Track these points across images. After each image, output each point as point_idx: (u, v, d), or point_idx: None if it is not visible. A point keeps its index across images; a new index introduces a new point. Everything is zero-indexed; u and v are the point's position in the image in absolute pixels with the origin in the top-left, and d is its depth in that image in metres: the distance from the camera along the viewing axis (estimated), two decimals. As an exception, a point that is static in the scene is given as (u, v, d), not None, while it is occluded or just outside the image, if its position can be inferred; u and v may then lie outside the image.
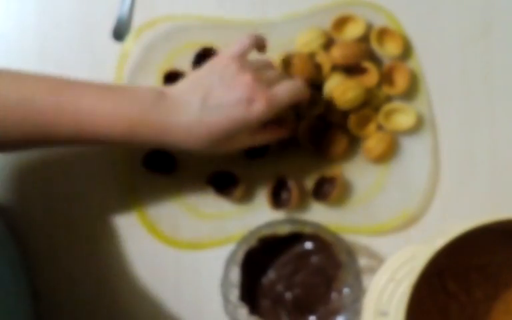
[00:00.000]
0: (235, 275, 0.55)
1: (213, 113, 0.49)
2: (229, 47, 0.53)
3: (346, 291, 0.55)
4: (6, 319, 0.48)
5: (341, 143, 0.58)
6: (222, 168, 0.58)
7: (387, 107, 0.59)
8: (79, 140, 0.50)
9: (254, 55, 0.55)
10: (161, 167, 0.58)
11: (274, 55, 0.59)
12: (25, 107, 0.48)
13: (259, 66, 0.53)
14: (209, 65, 0.52)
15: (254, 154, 0.58)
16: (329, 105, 0.58)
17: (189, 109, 0.50)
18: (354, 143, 0.59)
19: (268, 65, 0.55)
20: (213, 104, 0.49)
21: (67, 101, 0.49)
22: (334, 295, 0.56)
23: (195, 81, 0.51)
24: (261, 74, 0.52)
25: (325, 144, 0.58)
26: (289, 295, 0.56)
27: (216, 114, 0.49)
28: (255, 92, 0.49)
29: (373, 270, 0.56)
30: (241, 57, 0.52)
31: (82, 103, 0.49)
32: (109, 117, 0.49)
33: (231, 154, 0.58)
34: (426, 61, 0.61)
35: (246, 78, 0.50)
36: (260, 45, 0.55)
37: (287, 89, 0.52)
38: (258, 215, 0.58)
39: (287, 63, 0.58)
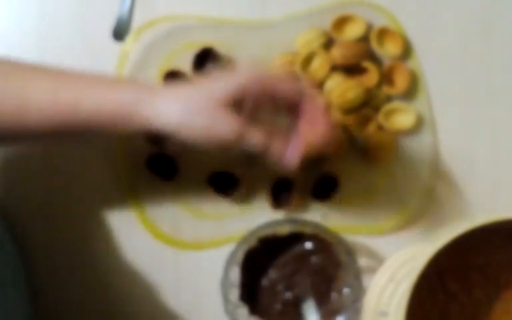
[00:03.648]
0: (235, 274, 0.55)
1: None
2: None
3: (346, 291, 0.55)
4: (5, 317, 0.48)
5: (341, 143, 0.58)
6: (222, 168, 0.58)
7: (387, 107, 0.59)
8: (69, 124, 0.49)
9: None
10: (163, 171, 0.58)
11: (274, 54, 0.59)
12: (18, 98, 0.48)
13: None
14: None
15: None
16: (329, 104, 0.58)
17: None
18: (354, 143, 0.59)
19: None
20: None
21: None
22: (334, 295, 0.56)
23: None
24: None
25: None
26: (289, 295, 0.56)
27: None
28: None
29: (373, 270, 0.56)
30: None
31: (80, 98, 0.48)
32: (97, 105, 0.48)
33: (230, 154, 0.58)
34: (426, 61, 0.61)
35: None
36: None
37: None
38: (258, 214, 0.58)
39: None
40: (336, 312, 0.55)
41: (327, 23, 0.59)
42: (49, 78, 0.49)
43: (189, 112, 0.47)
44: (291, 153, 0.48)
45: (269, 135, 0.47)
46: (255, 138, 0.47)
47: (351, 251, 0.54)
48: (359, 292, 0.54)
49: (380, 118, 0.59)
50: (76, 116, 0.48)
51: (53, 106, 0.48)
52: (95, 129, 0.49)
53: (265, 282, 0.57)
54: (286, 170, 0.48)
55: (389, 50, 0.60)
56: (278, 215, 0.59)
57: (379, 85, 0.59)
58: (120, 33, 0.60)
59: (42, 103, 0.48)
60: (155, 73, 0.59)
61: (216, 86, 0.47)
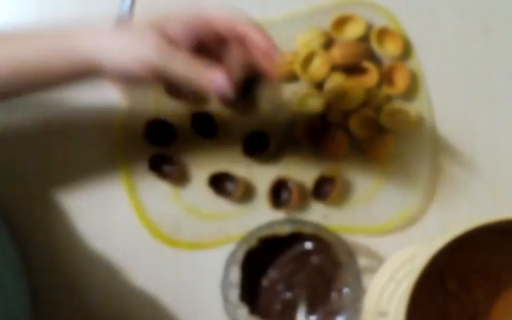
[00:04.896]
0: (235, 274, 0.55)
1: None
2: None
3: (346, 291, 0.55)
4: (5, 318, 0.48)
5: (341, 143, 0.58)
6: (222, 168, 0.58)
7: (387, 107, 0.59)
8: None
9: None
10: (164, 171, 0.58)
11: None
12: None
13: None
14: None
15: (254, 153, 0.58)
16: (329, 104, 0.58)
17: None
18: (354, 143, 0.59)
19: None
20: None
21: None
22: (334, 295, 0.56)
23: None
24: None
25: (324, 144, 0.58)
26: (289, 295, 0.56)
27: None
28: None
29: (373, 270, 0.56)
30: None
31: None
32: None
33: (229, 150, 0.58)
34: (426, 61, 0.61)
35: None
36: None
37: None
38: (258, 214, 0.59)
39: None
40: (336, 312, 0.55)
41: (327, 22, 0.60)
42: None
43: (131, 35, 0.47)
44: (220, 79, 0.46)
45: (200, 65, 0.46)
46: (179, 63, 0.46)
47: (350, 251, 0.54)
48: (358, 292, 0.54)
49: (380, 118, 0.59)
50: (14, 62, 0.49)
51: None
52: (40, 71, 0.49)
53: (264, 282, 0.57)
54: (222, 97, 0.47)
55: (389, 50, 0.60)
56: (278, 214, 0.59)
57: (379, 84, 0.59)
58: (120, 33, 0.60)
59: None
60: (155, 73, 0.59)
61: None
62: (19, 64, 0.49)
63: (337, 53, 0.58)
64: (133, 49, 0.47)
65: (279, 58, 0.47)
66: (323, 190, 0.58)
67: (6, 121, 0.59)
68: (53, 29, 0.50)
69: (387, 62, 0.60)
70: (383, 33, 0.60)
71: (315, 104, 0.59)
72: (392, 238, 0.59)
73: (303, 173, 0.59)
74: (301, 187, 0.59)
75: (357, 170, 0.59)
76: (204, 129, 0.59)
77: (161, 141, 0.59)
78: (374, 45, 0.59)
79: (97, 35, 0.48)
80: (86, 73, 0.49)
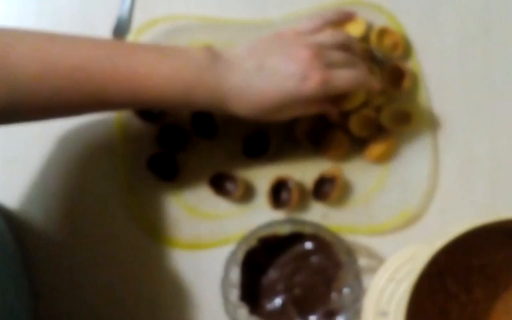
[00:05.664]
0: (235, 275, 0.55)
1: (265, 81, 0.49)
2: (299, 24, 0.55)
3: (346, 291, 0.55)
4: (6, 318, 0.48)
5: (341, 143, 0.58)
6: (222, 168, 0.59)
7: (387, 107, 0.59)
8: (134, 104, 0.51)
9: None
10: (163, 172, 0.58)
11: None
12: (80, 73, 0.47)
13: (326, 44, 0.52)
14: (271, 36, 0.52)
15: (254, 153, 0.58)
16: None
17: (240, 72, 0.49)
18: (354, 143, 0.59)
19: (340, 46, 0.53)
20: (266, 72, 0.49)
21: (124, 66, 0.48)
22: (334, 295, 0.56)
23: (252, 47, 0.51)
24: (324, 53, 0.51)
25: (325, 144, 0.58)
26: (289, 295, 0.56)
27: (267, 83, 0.49)
28: (310, 69, 0.49)
29: (373, 270, 0.56)
30: (306, 33, 0.53)
31: (138, 68, 0.48)
32: (165, 80, 0.48)
33: (232, 152, 0.58)
34: (426, 61, 0.61)
35: (304, 53, 0.49)
36: (339, 21, 0.57)
37: (346, 77, 0.51)
38: (258, 214, 0.59)
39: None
40: (336, 312, 0.55)
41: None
42: (126, 52, 0.49)
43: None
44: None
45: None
46: (342, 77, 0.51)
47: (350, 251, 0.54)
48: (358, 292, 0.54)
49: (380, 118, 0.59)
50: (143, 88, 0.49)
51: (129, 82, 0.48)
52: (164, 101, 0.49)
53: (265, 282, 0.57)
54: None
55: (389, 50, 0.60)
56: (278, 214, 0.59)
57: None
58: (120, 32, 0.60)
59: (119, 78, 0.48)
60: (155, 72, 0.59)
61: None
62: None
63: (337, 53, 0.58)
64: (301, 88, 0.50)
65: None
66: (322, 190, 0.58)
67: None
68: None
69: (387, 62, 0.60)
70: (383, 33, 0.60)
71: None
72: (392, 238, 0.59)
73: (302, 173, 0.59)
74: (301, 187, 0.59)
75: (356, 170, 0.59)
76: (204, 129, 0.59)
77: (162, 142, 0.59)
78: (374, 44, 0.59)
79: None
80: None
